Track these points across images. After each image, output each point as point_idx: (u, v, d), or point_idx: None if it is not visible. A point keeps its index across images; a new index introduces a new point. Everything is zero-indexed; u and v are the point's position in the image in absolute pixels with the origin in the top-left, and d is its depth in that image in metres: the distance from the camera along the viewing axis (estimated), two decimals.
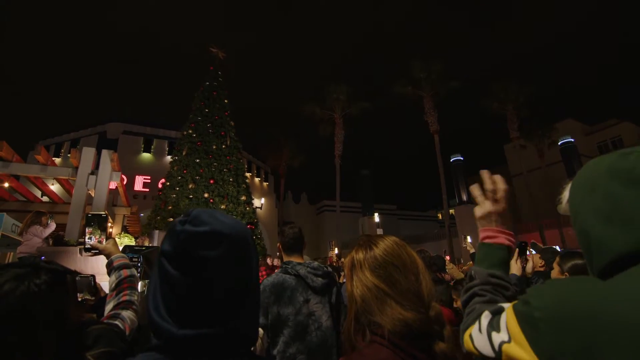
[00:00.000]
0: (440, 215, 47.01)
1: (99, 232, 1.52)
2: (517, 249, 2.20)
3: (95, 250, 1.50)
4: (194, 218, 0.66)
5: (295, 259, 1.95)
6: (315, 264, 1.94)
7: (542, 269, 2.90)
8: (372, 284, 0.92)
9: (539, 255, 2.96)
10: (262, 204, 29.52)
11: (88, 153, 6.67)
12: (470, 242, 4.38)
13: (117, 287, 1.31)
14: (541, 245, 3.12)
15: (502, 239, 0.79)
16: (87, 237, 1.50)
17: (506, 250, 0.79)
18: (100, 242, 1.52)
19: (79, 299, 1.75)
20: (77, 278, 1.77)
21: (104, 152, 6.77)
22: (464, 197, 28.95)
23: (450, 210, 29.33)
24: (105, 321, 1.15)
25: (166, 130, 25.75)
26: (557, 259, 1.77)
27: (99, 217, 1.54)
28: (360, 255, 1.00)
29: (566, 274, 1.59)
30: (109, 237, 1.57)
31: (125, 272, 1.37)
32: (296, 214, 38.15)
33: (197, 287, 0.62)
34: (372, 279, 0.93)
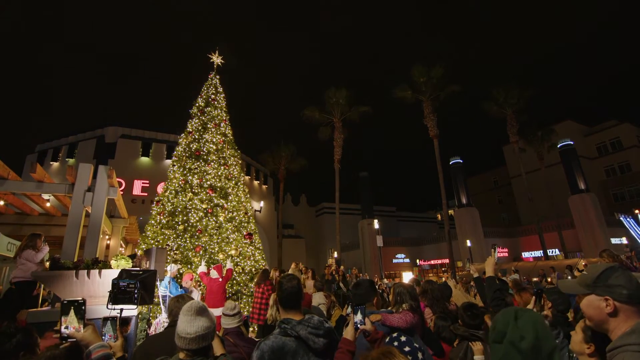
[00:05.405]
0: (439, 216, 47.03)
1: (77, 319, 1.42)
2: (533, 297, 2.13)
3: (72, 339, 1.40)
4: None
5: (293, 316, 1.87)
6: (316, 319, 1.84)
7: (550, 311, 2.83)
8: None
9: (544, 296, 2.89)
10: (261, 207, 29.44)
11: (84, 169, 6.56)
12: (474, 267, 4.32)
13: None
14: (544, 285, 3.05)
15: None
16: (63, 327, 1.40)
17: None
18: (77, 330, 1.42)
19: None
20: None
21: (101, 168, 6.66)
22: (463, 200, 28.90)
23: (450, 212, 29.30)
24: None
25: (164, 134, 25.60)
26: (582, 323, 1.73)
27: (75, 303, 1.44)
28: None
29: (591, 344, 1.62)
30: (87, 323, 1.46)
31: None
32: (295, 216, 38.12)
33: None
34: None
